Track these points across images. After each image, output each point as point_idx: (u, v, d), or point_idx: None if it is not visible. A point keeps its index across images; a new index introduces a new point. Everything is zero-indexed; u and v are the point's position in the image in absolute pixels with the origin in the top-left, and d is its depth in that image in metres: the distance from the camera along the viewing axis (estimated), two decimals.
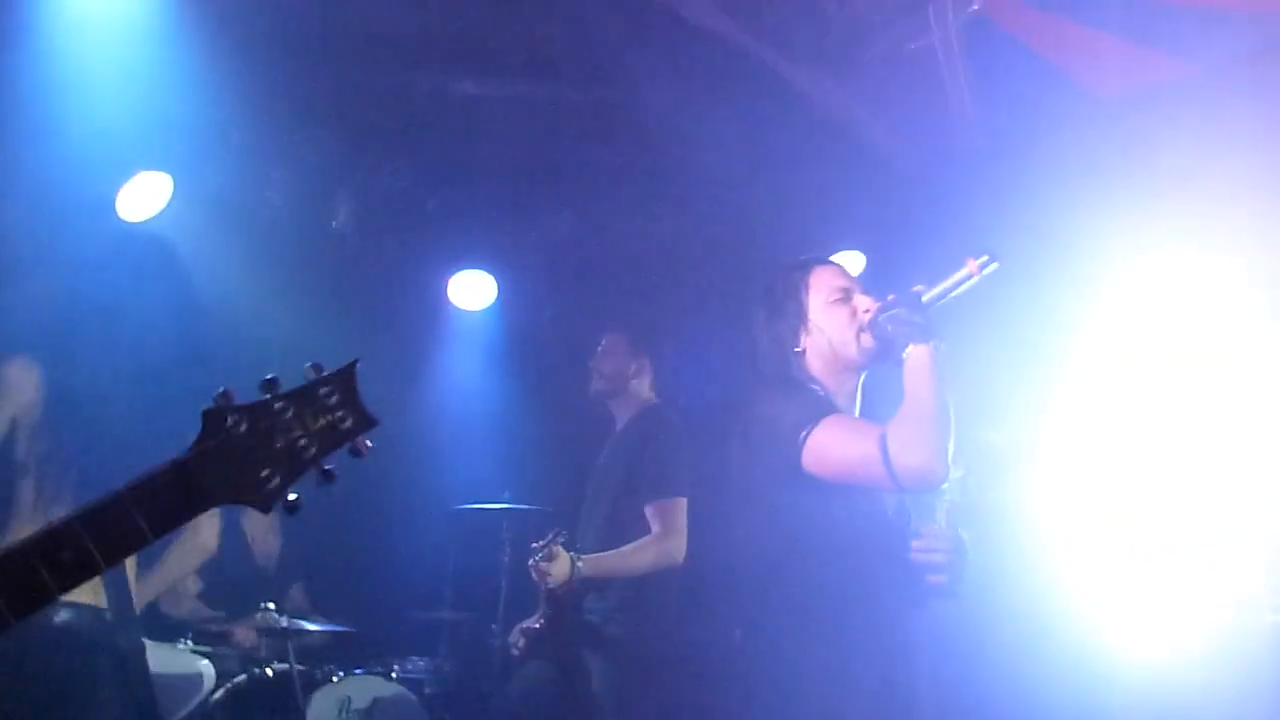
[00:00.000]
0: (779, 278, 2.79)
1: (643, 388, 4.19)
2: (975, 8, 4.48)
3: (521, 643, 4.08)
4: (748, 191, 5.84)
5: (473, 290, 6.19)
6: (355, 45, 4.84)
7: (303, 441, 1.44)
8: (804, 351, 2.69)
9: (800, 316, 2.70)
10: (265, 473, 1.41)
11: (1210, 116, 4.32)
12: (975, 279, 2.54)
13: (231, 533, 4.99)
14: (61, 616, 2.89)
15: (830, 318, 2.69)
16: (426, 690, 4.97)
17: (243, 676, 4.38)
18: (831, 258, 3.05)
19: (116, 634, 3.00)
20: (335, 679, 4.59)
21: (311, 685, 4.51)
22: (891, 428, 2.43)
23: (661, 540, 3.83)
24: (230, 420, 1.42)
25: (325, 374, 1.48)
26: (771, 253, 5.50)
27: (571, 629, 3.97)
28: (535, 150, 5.57)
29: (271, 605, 4.50)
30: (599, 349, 4.25)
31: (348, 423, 1.46)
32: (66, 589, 1.36)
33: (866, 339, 2.64)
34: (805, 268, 2.78)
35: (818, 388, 2.65)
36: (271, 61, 4.64)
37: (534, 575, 3.74)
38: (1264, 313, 4.42)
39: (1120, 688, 4.55)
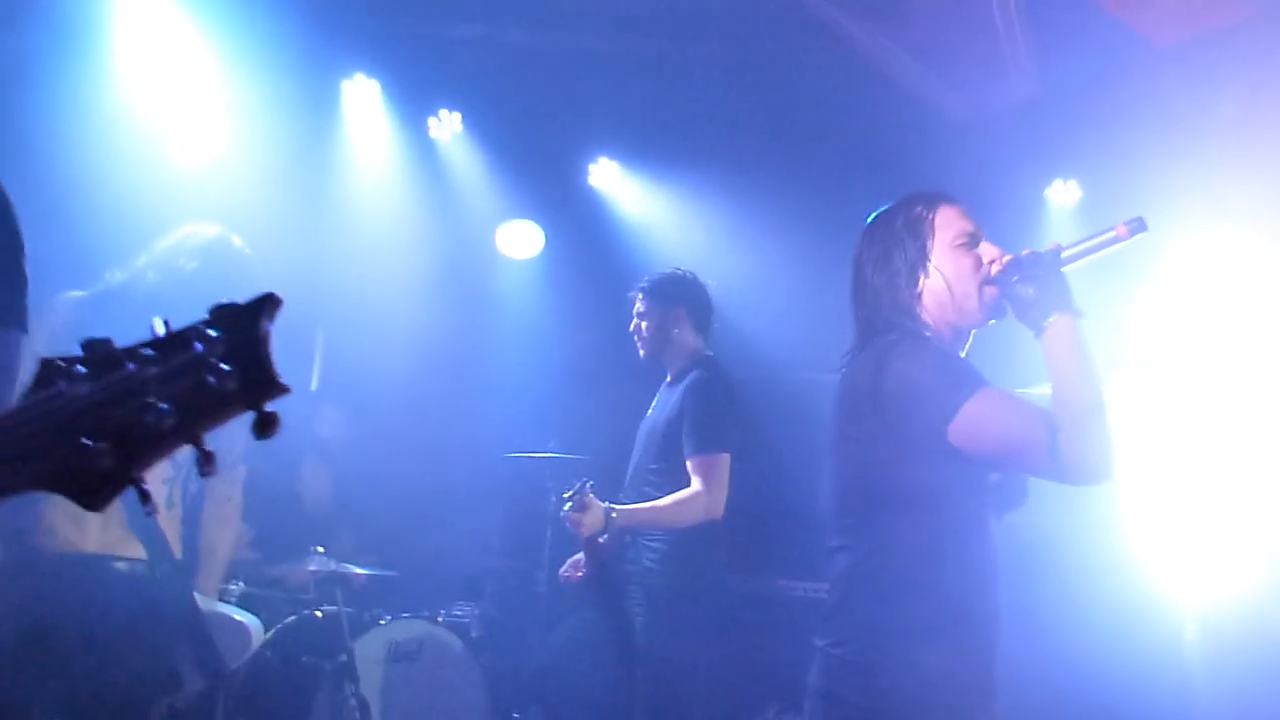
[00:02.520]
0: (899, 210, 2.45)
1: (687, 336, 4.15)
2: None
3: (566, 584, 4.12)
4: (797, 142, 5.82)
5: (520, 239, 6.27)
6: None
7: (159, 409, 0.98)
8: (920, 295, 2.38)
9: (921, 255, 2.38)
10: (96, 448, 0.97)
11: (1272, 61, 4.19)
12: (1123, 243, 2.26)
13: (283, 478, 5.11)
14: (119, 568, 2.98)
15: (954, 262, 2.37)
16: (473, 634, 5.06)
17: (292, 618, 4.49)
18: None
19: (164, 585, 3.08)
20: (383, 622, 4.69)
21: (360, 627, 4.61)
22: (1059, 414, 2.14)
23: (701, 495, 3.81)
24: (64, 374, 0.99)
25: (217, 313, 1.04)
26: (820, 200, 5.57)
27: (614, 580, 4.00)
28: (580, 98, 5.58)
29: (321, 549, 4.60)
30: (633, 311, 4.21)
31: (232, 384, 0.99)
32: None
33: (991, 293, 2.34)
34: (932, 203, 2.44)
35: (932, 336, 2.38)
36: (314, 16, 4.67)
37: (568, 524, 3.76)
38: None
39: (1173, 631, 4.58)
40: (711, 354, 4.16)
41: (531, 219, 6.38)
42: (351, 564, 4.73)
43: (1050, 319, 2.23)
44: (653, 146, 6.17)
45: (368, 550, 5.26)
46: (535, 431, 5.50)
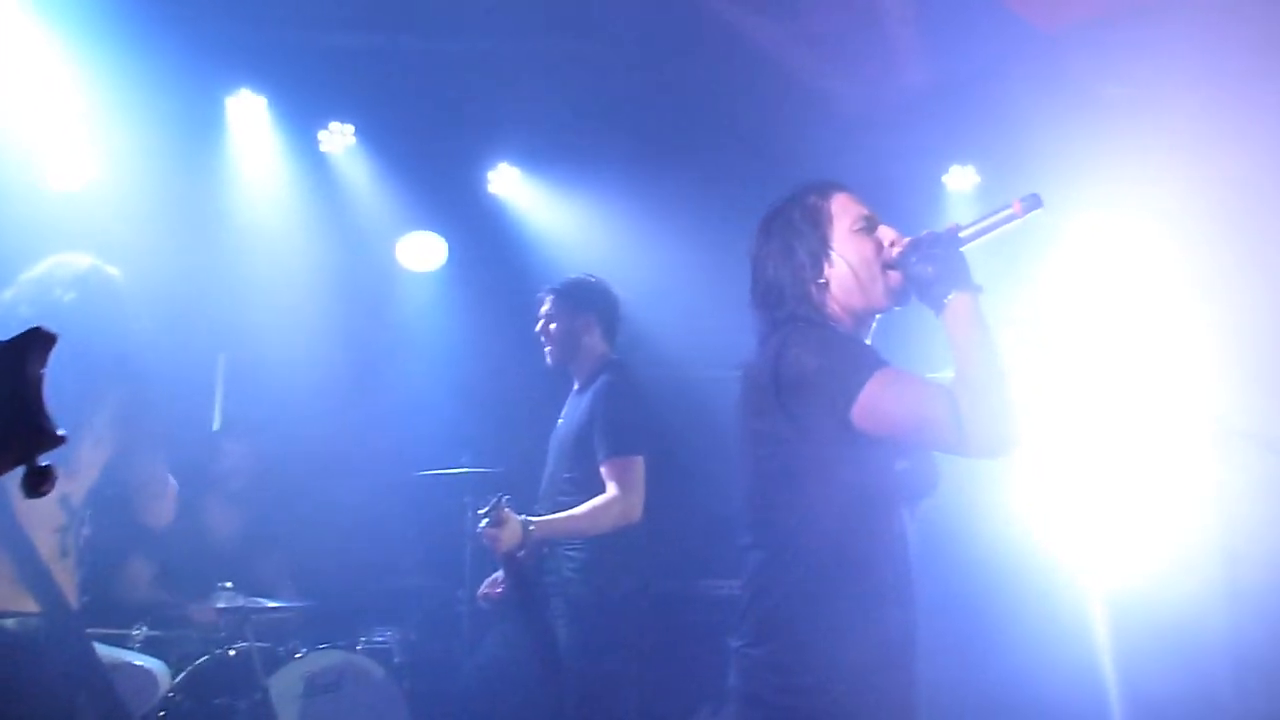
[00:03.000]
0: (794, 204, 2.43)
1: (595, 342, 4.11)
2: None
3: (486, 603, 4.05)
4: (698, 140, 5.80)
5: (422, 251, 6.16)
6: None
7: None
8: (827, 284, 2.36)
9: (824, 244, 2.36)
10: None
11: (1156, 48, 4.29)
12: (1018, 221, 2.28)
13: (185, 513, 4.90)
14: (8, 625, 2.81)
15: (856, 247, 2.36)
16: (395, 660, 4.94)
17: (203, 659, 4.32)
18: None
19: (62, 639, 2.91)
20: (298, 655, 4.54)
21: (275, 663, 4.45)
22: (959, 389, 2.14)
23: (617, 500, 3.77)
24: None
25: None
26: (720, 197, 5.55)
27: (534, 593, 3.93)
28: (476, 103, 5.50)
29: (229, 584, 4.43)
30: (541, 315, 4.15)
31: None
32: None
33: (895, 276, 2.34)
34: (825, 191, 2.42)
35: (839, 326, 2.36)
36: (193, 31, 4.51)
37: (485, 541, 3.69)
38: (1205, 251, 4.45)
39: (1078, 611, 4.67)
40: (619, 358, 4.11)
41: (432, 230, 6.25)
42: (265, 597, 4.56)
43: (950, 296, 2.24)
44: (552, 150, 6.11)
45: (283, 582, 5.09)
46: (448, 447, 5.39)
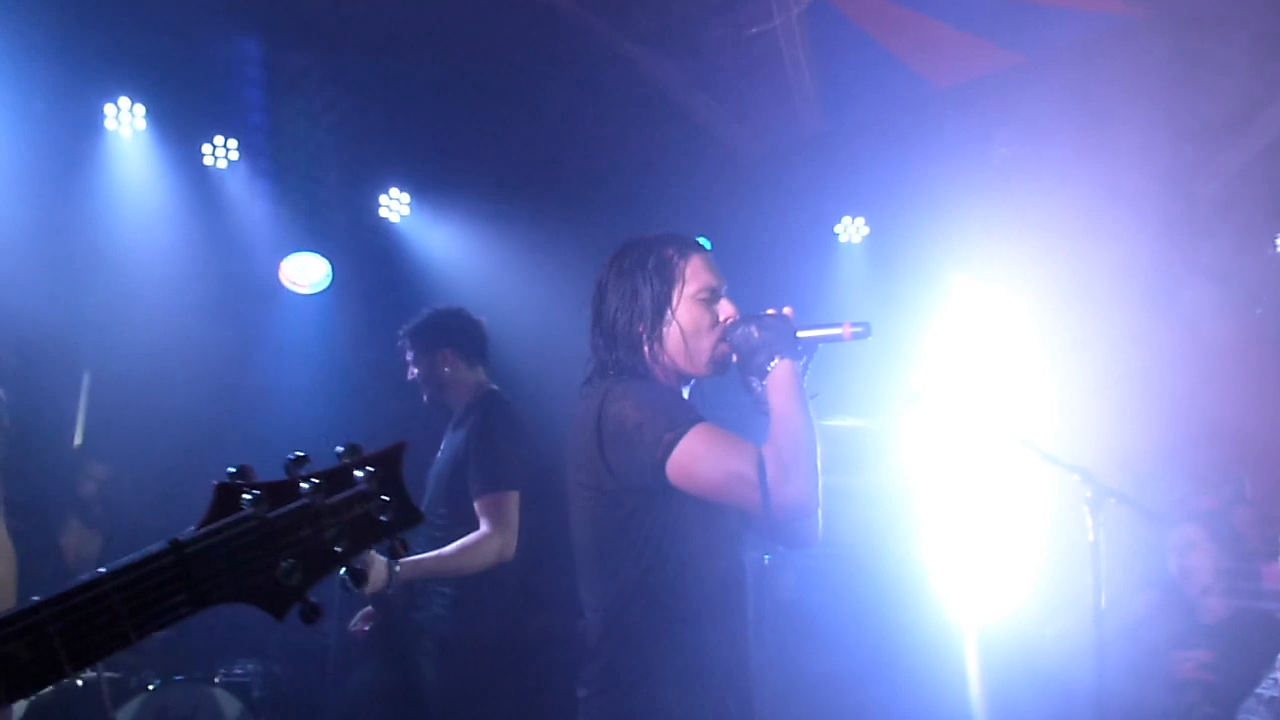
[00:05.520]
0: (652, 249, 2.45)
1: (461, 374, 4.02)
2: None
3: (360, 634, 3.93)
4: (593, 175, 5.79)
5: (306, 272, 6.00)
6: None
7: (333, 533, 1.22)
8: (658, 340, 2.40)
9: (666, 300, 2.40)
10: (285, 566, 1.18)
11: (1037, 106, 4.42)
12: (841, 340, 2.37)
13: (40, 536, 4.67)
14: None
15: (693, 314, 2.40)
16: (255, 694, 4.75)
17: (48, 689, 4.06)
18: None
19: None
20: (151, 687, 4.32)
21: (124, 695, 4.24)
22: (769, 450, 2.22)
23: (489, 537, 3.68)
24: (247, 499, 1.19)
25: (365, 454, 1.26)
26: (619, 236, 5.51)
27: (402, 630, 3.81)
28: (368, 127, 5.39)
29: None
30: (406, 361, 4.08)
31: (387, 515, 1.25)
32: (15, 698, 1.05)
33: (722, 349, 2.40)
34: (684, 250, 2.45)
35: (658, 379, 2.41)
36: (68, 32, 4.34)
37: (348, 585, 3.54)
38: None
39: (953, 648, 4.77)
40: (495, 388, 4.04)
41: (317, 251, 6.10)
42: None
43: (774, 363, 2.32)
44: (449, 180, 6.02)
45: None
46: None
